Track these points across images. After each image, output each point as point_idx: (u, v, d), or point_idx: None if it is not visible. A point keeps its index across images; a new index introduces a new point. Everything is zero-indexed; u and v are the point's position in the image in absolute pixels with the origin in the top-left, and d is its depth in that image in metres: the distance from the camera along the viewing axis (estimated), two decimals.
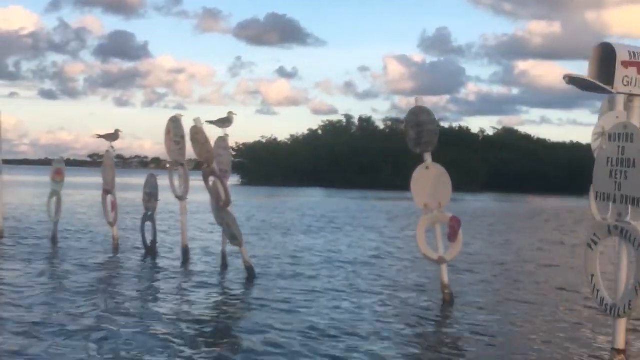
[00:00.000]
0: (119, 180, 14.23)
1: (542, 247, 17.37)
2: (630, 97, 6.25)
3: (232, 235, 10.88)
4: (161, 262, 12.52)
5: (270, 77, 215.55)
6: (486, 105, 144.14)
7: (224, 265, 11.94)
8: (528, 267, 13.25)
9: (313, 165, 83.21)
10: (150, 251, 13.31)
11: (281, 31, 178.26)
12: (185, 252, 12.67)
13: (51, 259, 12.65)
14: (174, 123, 12.49)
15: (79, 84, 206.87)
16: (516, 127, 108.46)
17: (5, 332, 7.24)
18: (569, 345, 7.17)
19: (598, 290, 6.22)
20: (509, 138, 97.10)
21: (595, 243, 6.27)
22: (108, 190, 13.91)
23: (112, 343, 6.88)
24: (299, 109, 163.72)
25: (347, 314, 8.47)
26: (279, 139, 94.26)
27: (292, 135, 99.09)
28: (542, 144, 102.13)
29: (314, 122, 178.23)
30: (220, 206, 11.03)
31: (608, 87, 6.02)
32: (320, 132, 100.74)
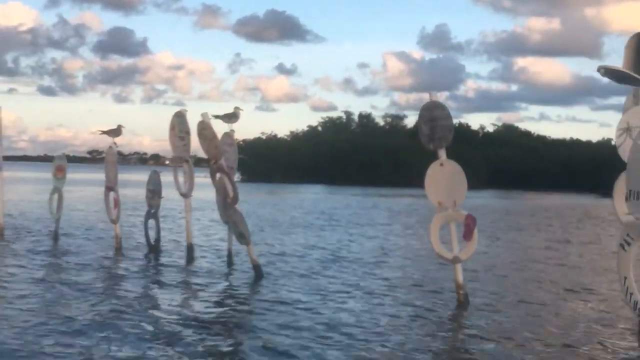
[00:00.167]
0: (118, 176, 13.94)
1: (549, 245, 17.09)
2: None
3: (239, 233, 10.62)
4: (165, 261, 12.23)
5: (269, 74, 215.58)
6: (485, 101, 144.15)
7: (230, 264, 11.70)
8: (539, 267, 12.97)
9: (313, 162, 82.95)
10: (154, 249, 13.04)
11: (280, 28, 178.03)
12: (190, 250, 12.38)
13: (52, 257, 12.38)
14: (179, 118, 12.22)
15: (78, 80, 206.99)
16: (515, 124, 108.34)
17: (4, 331, 7.01)
18: (591, 349, 6.93)
19: (631, 294, 5.95)
20: (509, 135, 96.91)
21: (629, 244, 5.99)
22: (110, 187, 13.63)
23: (113, 344, 6.67)
24: (298, 105, 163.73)
25: (358, 316, 8.21)
26: (279, 136, 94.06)
27: (291, 132, 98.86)
28: (542, 140, 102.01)
29: (313, 119, 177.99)
30: (228, 203, 10.76)
31: None
32: (320, 128, 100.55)
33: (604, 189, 73.32)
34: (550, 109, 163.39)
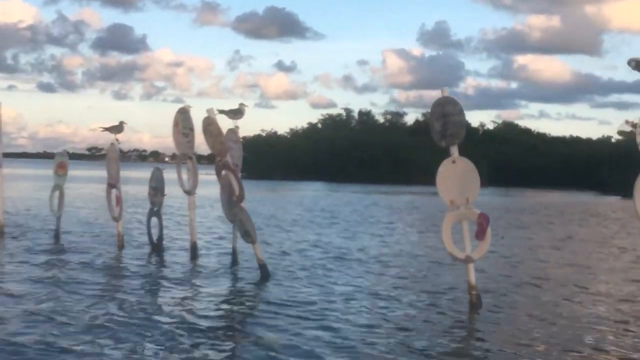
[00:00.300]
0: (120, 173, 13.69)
1: (555, 245, 16.87)
2: None
3: (245, 231, 10.39)
4: (168, 260, 11.99)
5: (268, 71, 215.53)
6: (485, 99, 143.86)
7: (235, 263, 11.47)
8: (548, 267, 12.75)
9: (313, 159, 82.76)
10: (157, 248, 12.80)
11: (280, 25, 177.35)
12: (194, 249, 12.16)
13: (54, 256, 12.09)
14: (183, 115, 11.98)
15: (77, 77, 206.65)
16: (515, 122, 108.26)
17: (3, 334, 6.80)
18: (603, 352, 6.75)
19: None
20: (509, 132, 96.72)
21: None
22: (112, 184, 13.40)
23: (114, 346, 6.48)
24: (298, 102, 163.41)
25: (367, 318, 8.00)
26: (278, 133, 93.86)
27: (291, 129, 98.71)
28: (542, 138, 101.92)
29: (313, 116, 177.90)
30: (234, 201, 10.54)
31: None
32: (319, 125, 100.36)
33: (604, 187, 73.57)
34: (550, 106, 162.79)
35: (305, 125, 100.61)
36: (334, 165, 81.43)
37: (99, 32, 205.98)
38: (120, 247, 13.19)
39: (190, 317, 7.74)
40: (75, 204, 23.73)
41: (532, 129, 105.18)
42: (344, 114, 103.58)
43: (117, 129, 13.34)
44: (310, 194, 43.80)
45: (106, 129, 13.38)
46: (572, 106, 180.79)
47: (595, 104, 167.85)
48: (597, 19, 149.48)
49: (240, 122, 11.43)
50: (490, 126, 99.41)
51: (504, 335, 7.38)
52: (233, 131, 11.46)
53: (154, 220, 12.89)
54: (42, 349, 6.37)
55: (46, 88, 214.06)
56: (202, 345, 6.67)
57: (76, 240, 14.27)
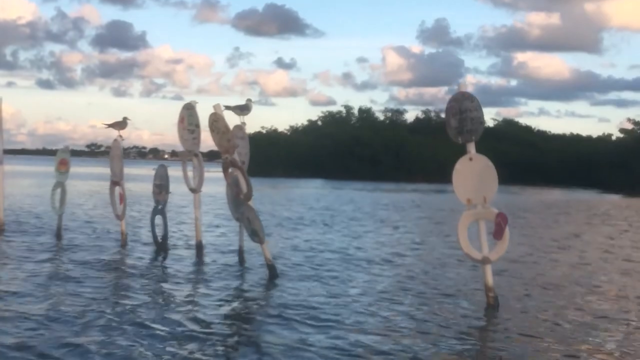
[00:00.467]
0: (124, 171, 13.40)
1: (565, 244, 16.59)
2: None
3: (253, 231, 10.11)
4: (173, 260, 11.64)
5: (268, 68, 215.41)
6: (484, 96, 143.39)
7: (242, 263, 11.18)
8: (559, 267, 12.44)
9: (313, 156, 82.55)
10: (161, 247, 12.51)
11: (280, 22, 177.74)
12: (199, 248, 11.88)
13: (55, 255, 11.79)
14: (188, 111, 11.69)
15: (76, 73, 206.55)
16: (515, 119, 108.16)
17: (2, 334, 6.55)
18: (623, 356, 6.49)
19: None
20: (509, 130, 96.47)
21: None
22: (116, 181, 13.11)
23: (117, 351, 6.22)
24: (297, 99, 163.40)
25: (380, 321, 7.68)
26: (279, 130, 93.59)
27: (291, 126, 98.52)
28: (542, 135, 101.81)
29: (312, 113, 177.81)
30: (241, 199, 10.26)
31: None
32: (320, 123, 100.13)
33: (605, 185, 73.25)
34: (549, 104, 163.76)
35: (305, 123, 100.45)
36: (334, 163, 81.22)
37: (99, 29, 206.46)
38: (124, 246, 12.90)
39: (195, 320, 7.43)
40: (76, 201, 23.44)
41: (533, 127, 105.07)
42: (344, 111, 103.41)
43: (121, 125, 13.05)
44: (312, 192, 43.54)
45: (109, 125, 13.09)
46: (572, 104, 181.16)
47: (594, 101, 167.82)
48: (596, 16, 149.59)
49: (239, 119, 11.20)
50: (490, 123, 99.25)
51: (523, 338, 7.10)
52: (240, 127, 11.21)
53: (158, 218, 12.61)
54: (41, 350, 6.17)
55: (45, 85, 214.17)
56: (208, 349, 6.40)
57: (78, 238, 13.94)
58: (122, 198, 12.99)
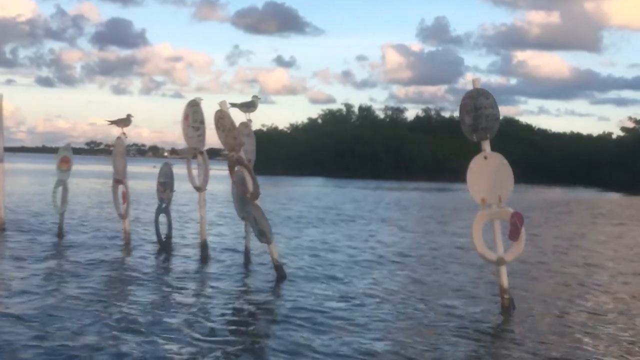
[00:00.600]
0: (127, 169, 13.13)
1: (574, 244, 16.36)
2: None
3: (259, 230, 9.87)
4: (177, 260, 11.39)
5: (268, 66, 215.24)
6: None
7: (248, 263, 10.94)
8: (572, 268, 12.21)
9: (314, 155, 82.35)
10: (165, 246, 12.27)
11: (279, 20, 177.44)
12: (204, 248, 11.63)
13: (56, 255, 11.55)
14: (193, 108, 11.45)
15: (76, 71, 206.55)
16: (515, 117, 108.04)
17: None
18: None
19: None
20: (510, 128, 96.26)
21: None
22: (119, 180, 12.86)
23: (118, 355, 6.02)
24: (297, 97, 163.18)
25: (392, 326, 7.42)
26: (279, 128, 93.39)
27: (291, 124, 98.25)
28: (542, 134, 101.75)
29: (312, 111, 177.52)
30: (247, 198, 10.02)
31: None
32: (320, 121, 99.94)
33: (605, 183, 72.97)
34: (549, 102, 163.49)
35: (305, 121, 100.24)
36: (334, 161, 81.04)
37: (98, 27, 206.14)
38: (127, 245, 12.66)
39: (198, 323, 7.19)
40: (78, 200, 23.19)
41: (533, 125, 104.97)
42: (344, 109, 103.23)
43: (124, 122, 12.80)
44: (313, 190, 43.32)
45: (113, 122, 12.84)
46: (571, 102, 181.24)
47: (594, 100, 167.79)
48: (596, 15, 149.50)
49: (238, 117, 10.97)
50: None
51: (540, 343, 6.88)
52: (245, 125, 10.98)
53: (163, 217, 12.38)
54: (39, 351, 6.03)
55: (45, 82, 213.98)
56: (211, 353, 6.18)
57: (80, 237, 13.70)
58: (125, 196, 12.75)
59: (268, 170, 71.63)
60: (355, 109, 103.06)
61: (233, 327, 7.21)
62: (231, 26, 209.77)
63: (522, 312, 8.19)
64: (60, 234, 13.67)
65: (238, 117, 10.86)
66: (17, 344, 6.30)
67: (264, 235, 9.82)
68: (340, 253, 12.94)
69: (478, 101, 8.16)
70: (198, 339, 6.60)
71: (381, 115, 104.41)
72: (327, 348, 6.48)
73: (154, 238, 12.81)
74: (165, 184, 12.18)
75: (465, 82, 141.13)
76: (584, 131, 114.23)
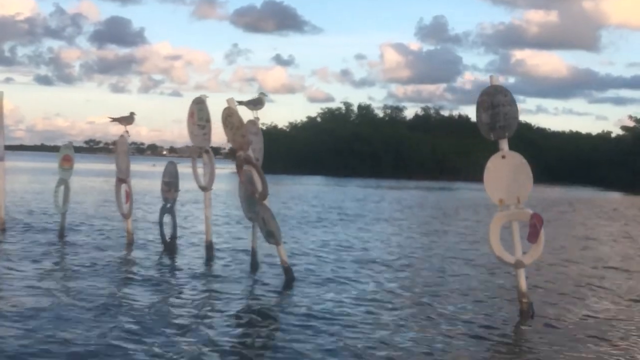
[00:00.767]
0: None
1: (583, 245, 16.12)
2: None
3: (268, 232, 9.60)
4: (182, 261, 11.06)
5: (266, 65, 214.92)
6: None
7: (255, 265, 10.60)
8: (584, 269, 11.95)
9: (313, 153, 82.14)
10: (170, 247, 11.99)
11: (278, 18, 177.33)
12: (210, 249, 11.37)
13: (57, 255, 11.29)
14: (198, 105, 11.18)
15: (74, 69, 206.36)
16: None
17: None
18: None
19: None
20: None
21: None
22: (122, 179, 12.59)
23: None
24: (295, 96, 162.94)
25: (406, 332, 7.13)
26: (278, 127, 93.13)
27: (290, 123, 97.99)
28: (541, 133, 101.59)
29: (310, 110, 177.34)
30: (256, 199, 9.76)
31: None
32: (319, 119, 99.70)
33: (605, 182, 72.80)
34: (547, 101, 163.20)
35: (304, 119, 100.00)
36: (334, 159, 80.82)
37: (97, 25, 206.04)
38: (130, 246, 12.38)
39: (204, 329, 6.90)
40: (79, 198, 22.86)
41: (532, 124, 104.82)
42: (344, 107, 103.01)
43: (127, 120, 12.54)
44: (314, 189, 43.06)
45: (115, 120, 12.58)
46: (570, 101, 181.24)
47: (592, 99, 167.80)
48: (595, 14, 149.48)
49: (260, 113, 10.72)
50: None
51: (560, 351, 6.63)
52: (253, 122, 10.68)
53: (167, 217, 12.11)
54: (38, 354, 5.85)
55: (44, 81, 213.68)
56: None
57: (82, 237, 13.43)
58: (129, 196, 12.48)
59: (267, 169, 71.12)
60: (355, 108, 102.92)
61: (238, 333, 6.94)
62: (230, 25, 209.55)
63: (539, 317, 7.91)
64: (61, 234, 13.38)
65: (244, 115, 10.61)
66: (17, 345, 6.10)
67: (272, 237, 9.56)
68: (346, 254, 12.67)
69: (496, 98, 7.91)
70: (203, 343, 6.37)
71: (380, 113, 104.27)
72: (335, 353, 6.24)
73: (158, 238, 12.54)
74: (170, 184, 11.92)
75: (464, 81, 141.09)
76: (582, 130, 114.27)
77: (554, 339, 7.00)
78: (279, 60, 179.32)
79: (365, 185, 51.61)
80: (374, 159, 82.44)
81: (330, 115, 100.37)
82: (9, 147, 13.42)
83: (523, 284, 7.93)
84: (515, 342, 7.02)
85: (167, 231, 12.15)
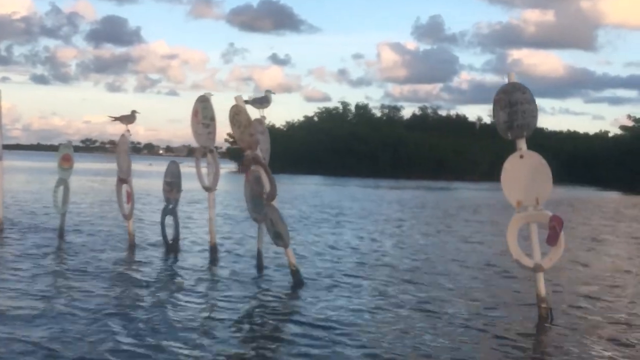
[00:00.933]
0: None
1: (590, 246, 15.85)
2: None
3: (276, 233, 9.33)
4: (185, 264, 10.73)
5: (263, 64, 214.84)
6: (479, 93, 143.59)
7: (260, 268, 10.33)
8: (594, 272, 11.71)
9: (310, 152, 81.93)
10: (172, 249, 11.70)
11: (274, 17, 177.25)
12: (213, 251, 11.09)
13: (56, 257, 11.01)
14: (203, 103, 10.91)
15: (71, 69, 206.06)
16: None
17: None
18: None
19: None
20: None
21: None
22: (123, 179, 12.31)
23: None
24: (292, 95, 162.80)
25: (420, 338, 6.80)
26: (275, 126, 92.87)
27: (287, 122, 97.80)
28: (538, 132, 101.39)
29: (307, 109, 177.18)
30: (264, 199, 9.49)
31: None
32: (316, 119, 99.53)
33: (603, 182, 72.74)
34: (544, 101, 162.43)
35: (301, 119, 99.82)
36: (331, 159, 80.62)
37: (93, 24, 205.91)
38: (131, 248, 12.09)
39: (207, 335, 6.62)
40: (78, 198, 22.51)
41: None
42: (341, 107, 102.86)
43: (129, 119, 12.26)
44: (313, 188, 42.81)
45: (117, 119, 12.30)
46: (566, 101, 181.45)
47: (589, 98, 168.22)
48: (592, 13, 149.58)
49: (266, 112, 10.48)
50: (487, 120, 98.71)
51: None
52: (259, 121, 10.44)
53: (169, 218, 11.83)
54: (38, 356, 5.71)
55: (40, 80, 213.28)
56: None
57: (81, 238, 13.14)
58: (130, 196, 12.20)
59: None
60: (352, 107, 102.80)
61: (244, 339, 6.66)
62: (226, 24, 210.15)
63: (557, 323, 7.64)
64: (61, 235, 13.09)
65: (250, 114, 10.34)
66: (16, 346, 5.93)
67: (280, 239, 9.29)
68: (351, 256, 12.39)
69: (513, 96, 7.64)
70: (205, 348, 6.13)
71: (378, 113, 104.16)
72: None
73: (160, 239, 12.26)
74: (172, 184, 11.65)
75: (461, 80, 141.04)
76: (579, 129, 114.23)
77: (572, 346, 6.73)
78: (275, 59, 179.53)
79: (364, 185, 51.36)
80: (371, 159, 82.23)
81: (328, 115, 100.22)
82: (5, 147, 13.14)
83: (542, 289, 7.66)
84: (536, 349, 6.76)
85: (169, 232, 11.85)
